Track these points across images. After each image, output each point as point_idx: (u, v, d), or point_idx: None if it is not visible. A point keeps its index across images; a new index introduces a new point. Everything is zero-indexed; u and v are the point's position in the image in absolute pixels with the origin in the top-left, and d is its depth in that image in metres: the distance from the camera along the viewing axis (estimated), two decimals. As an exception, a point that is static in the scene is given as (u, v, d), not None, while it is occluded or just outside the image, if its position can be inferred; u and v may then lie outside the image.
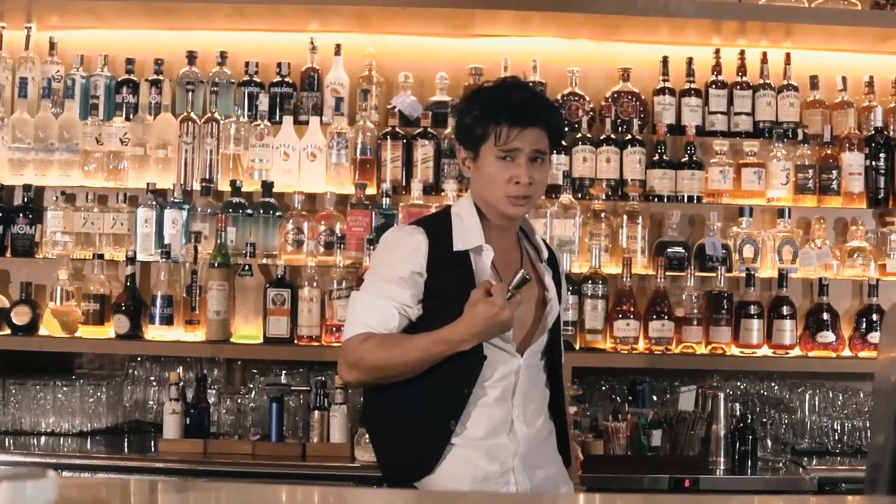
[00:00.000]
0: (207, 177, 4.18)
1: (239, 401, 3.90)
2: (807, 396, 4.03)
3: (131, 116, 4.27)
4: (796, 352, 4.15)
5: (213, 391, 3.95)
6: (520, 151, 2.62)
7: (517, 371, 2.65)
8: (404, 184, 4.20)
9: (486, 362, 2.60)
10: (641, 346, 4.10)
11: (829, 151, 4.30)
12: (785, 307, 4.12)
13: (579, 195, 4.22)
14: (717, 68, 4.41)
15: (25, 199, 4.18)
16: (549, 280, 2.78)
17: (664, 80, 4.38)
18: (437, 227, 2.69)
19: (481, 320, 2.51)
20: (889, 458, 2.05)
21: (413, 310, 2.62)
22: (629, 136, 4.28)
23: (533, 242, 2.82)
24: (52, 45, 4.33)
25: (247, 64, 4.31)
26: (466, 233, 2.67)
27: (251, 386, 3.97)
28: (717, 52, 4.41)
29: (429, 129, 4.21)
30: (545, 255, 2.81)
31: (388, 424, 2.69)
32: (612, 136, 4.27)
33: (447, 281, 2.61)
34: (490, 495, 2.48)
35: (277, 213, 4.13)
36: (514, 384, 2.64)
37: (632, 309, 4.09)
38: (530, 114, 2.64)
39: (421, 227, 2.68)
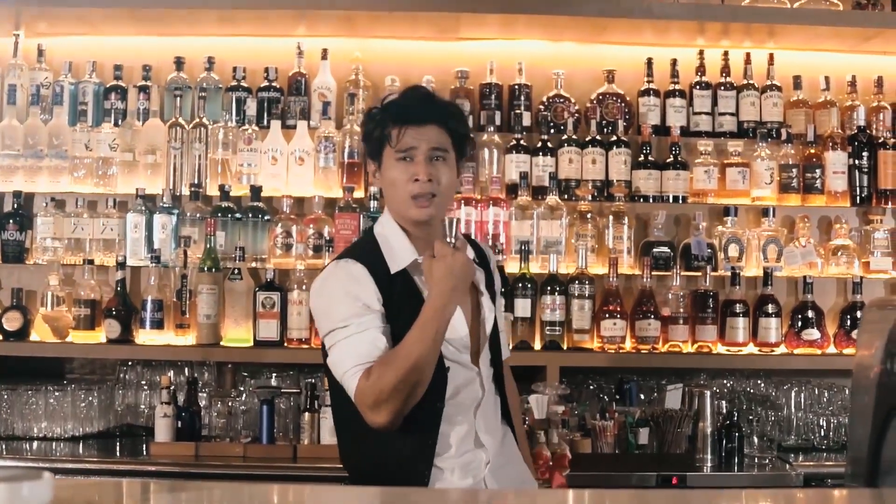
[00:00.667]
0: (196, 182, 4.20)
1: (230, 403, 3.91)
2: (792, 393, 4.05)
3: (120, 122, 4.28)
4: (782, 349, 4.19)
5: (204, 394, 3.96)
6: (416, 149, 2.59)
7: (480, 383, 2.64)
8: (392, 187, 4.22)
9: (449, 374, 2.57)
10: (628, 345, 4.14)
11: (812, 151, 4.34)
12: (770, 305, 4.16)
13: (565, 196, 4.25)
14: (701, 69, 4.44)
15: (15, 206, 4.19)
16: (482, 284, 2.73)
17: (649, 82, 4.42)
18: (367, 253, 2.62)
19: (446, 275, 2.49)
20: (868, 452, 2.08)
21: (387, 327, 2.55)
22: (614, 138, 4.31)
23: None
24: (41, 52, 4.34)
25: (234, 69, 4.33)
26: (396, 252, 2.62)
27: (242, 389, 3.98)
28: (701, 53, 4.45)
29: (416, 133, 4.23)
30: (471, 255, 2.72)
31: (369, 460, 2.62)
32: (598, 137, 4.30)
33: (398, 303, 2.57)
34: (479, 492, 2.50)
35: (266, 217, 4.16)
36: (478, 398, 2.63)
37: (618, 309, 4.12)
38: (422, 112, 2.62)
39: (352, 258, 2.61)
